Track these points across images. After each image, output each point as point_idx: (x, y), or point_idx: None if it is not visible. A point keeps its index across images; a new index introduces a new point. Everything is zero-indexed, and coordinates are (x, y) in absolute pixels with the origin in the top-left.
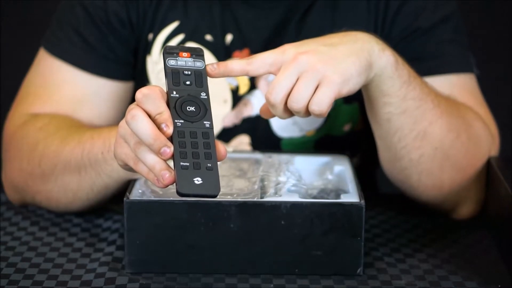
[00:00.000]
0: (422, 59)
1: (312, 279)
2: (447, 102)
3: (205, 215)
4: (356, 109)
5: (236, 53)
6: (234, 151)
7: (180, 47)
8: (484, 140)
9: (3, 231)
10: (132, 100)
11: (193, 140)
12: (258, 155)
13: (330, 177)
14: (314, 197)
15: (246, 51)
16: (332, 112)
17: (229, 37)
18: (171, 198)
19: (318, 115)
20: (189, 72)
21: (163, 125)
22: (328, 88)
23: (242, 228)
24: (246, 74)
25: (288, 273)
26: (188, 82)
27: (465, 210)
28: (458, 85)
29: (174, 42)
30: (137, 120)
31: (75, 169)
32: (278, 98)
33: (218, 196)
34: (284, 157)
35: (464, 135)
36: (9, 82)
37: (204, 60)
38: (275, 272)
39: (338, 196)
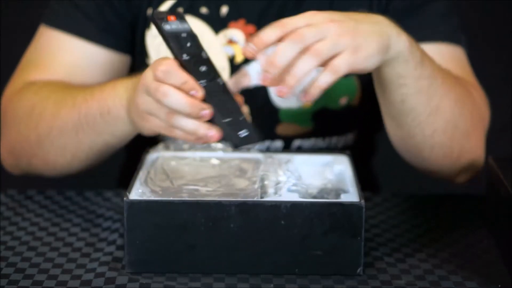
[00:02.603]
0: (414, 27)
1: (312, 279)
2: (449, 74)
3: (205, 215)
4: (353, 83)
5: (232, 23)
6: (234, 151)
7: (165, 12)
8: (483, 104)
9: (3, 230)
10: (129, 74)
11: (220, 97)
12: (258, 155)
13: (330, 177)
14: (314, 197)
15: (241, 21)
16: None
17: (224, 9)
18: (171, 198)
19: (320, 84)
20: (185, 35)
21: (192, 92)
22: (346, 57)
23: (242, 228)
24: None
25: (288, 273)
26: (188, 44)
27: (468, 175)
28: (448, 55)
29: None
30: (170, 95)
31: (72, 131)
32: (295, 48)
33: (218, 196)
34: (284, 157)
35: (468, 103)
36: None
37: (186, 20)
38: (275, 272)
39: (338, 196)
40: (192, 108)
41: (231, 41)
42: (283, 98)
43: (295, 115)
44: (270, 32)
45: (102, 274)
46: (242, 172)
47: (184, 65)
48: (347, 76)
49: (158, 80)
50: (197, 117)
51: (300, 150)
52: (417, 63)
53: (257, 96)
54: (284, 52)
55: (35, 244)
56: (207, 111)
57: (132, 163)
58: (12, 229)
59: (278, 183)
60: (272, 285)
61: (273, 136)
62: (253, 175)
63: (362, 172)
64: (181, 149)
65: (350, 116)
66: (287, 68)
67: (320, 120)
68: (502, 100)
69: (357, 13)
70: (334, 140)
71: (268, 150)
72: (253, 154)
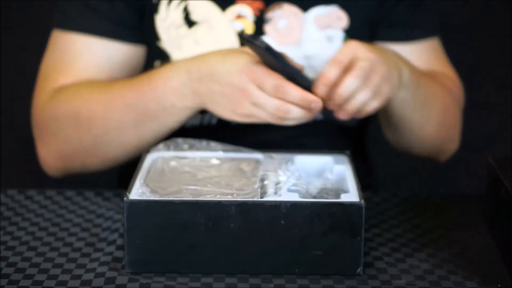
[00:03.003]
0: (401, 25)
1: (312, 279)
2: (433, 79)
3: (205, 214)
4: None
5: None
6: (234, 151)
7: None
8: (458, 92)
9: (3, 230)
10: (146, 65)
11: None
12: (258, 155)
13: (330, 176)
14: (314, 197)
15: None
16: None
17: None
18: (171, 198)
19: (370, 110)
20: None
21: (314, 105)
22: (386, 88)
23: (242, 228)
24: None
25: (288, 273)
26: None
27: (451, 151)
28: (436, 47)
29: None
30: (293, 112)
31: (132, 127)
32: (357, 81)
33: (218, 196)
34: (284, 157)
35: (451, 101)
36: (9, 81)
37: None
38: (275, 272)
39: (338, 196)
40: (310, 115)
41: (239, 16)
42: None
43: None
44: (333, 70)
45: (102, 274)
46: (242, 172)
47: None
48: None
49: (272, 95)
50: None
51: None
52: (415, 87)
53: None
54: (349, 86)
55: (35, 244)
56: (316, 104)
57: (131, 163)
58: (12, 229)
59: (278, 183)
60: (272, 285)
61: None
62: (253, 175)
63: (358, 147)
64: (181, 149)
65: None
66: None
67: None
68: (502, 100)
69: (371, 45)
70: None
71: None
72: (253, 154)
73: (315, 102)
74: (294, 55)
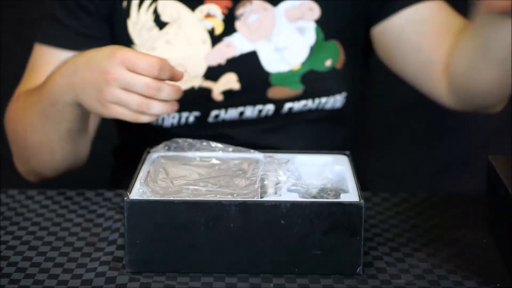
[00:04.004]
0: None
1: (312, 278)
2: None
3: (205, 214)
4: (334, 46)
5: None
6: (234, 151)
7: None
8: None
9: (4, 230)
10: None
11: None
12: (258, 155)
13: (330, 176)
14: (314, 197)
15: None
16: (314, 46)
17: None
18: (171, 198)
19: None
20: None
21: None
22: None
23: (242, 227)
24: None
25: (288, 273)
26: None
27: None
28: (445, 4)
29: (147, 1)
30: (164, 90)
31: (39, 126)
32: None
33: (218, 196)
34: (284, 156)
35: None
36: (10, 82)
37: None
38: (275, 272)
39: (338, 196)
40: (177, 94)
41: (208, 15)
42: (272, 63)
43: (285, 78)
44: None
45: (102, 274)
46: (242, 172)
47: None
48: (328, 39)
49: (146, 73)
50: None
51: (291, 112)
52: None
53: (247, 62)
54: None
55: (36, 243)
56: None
57: (121, 166)
58: (13, 228)
59: (278, 183)
60: (272, 285)
61: (264, 101)
62: (253, 175)
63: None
64: (181, 149)
65: (336, 78)
66: None
67: (309, 82)
68: None
69: None
70: (324, 100)
71: (260, 113)
72: (253, 154)
73: (164, 62)
74: (266, 49)
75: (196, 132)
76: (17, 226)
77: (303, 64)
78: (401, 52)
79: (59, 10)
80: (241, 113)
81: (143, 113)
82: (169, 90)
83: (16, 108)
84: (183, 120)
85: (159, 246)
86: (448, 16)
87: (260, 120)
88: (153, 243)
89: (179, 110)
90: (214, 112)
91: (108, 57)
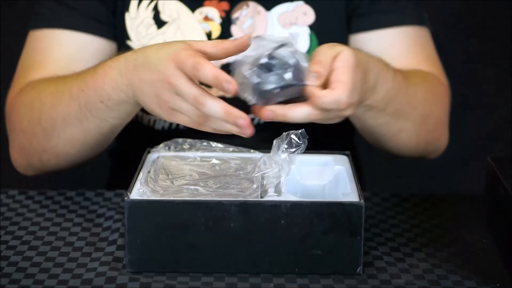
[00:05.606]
0: (382, 12)
1: (312, 278)
2: (412, 81)
3: (206, 214)
4: None
5: (207, 2)
6: (234, 151)
7: None
8: (444, 94)
9: (4, 230)
10: None
11: None
12: (258, 155)
13: (330, 177)
14: (314, 197)
15: None
16: (308, 53)
17: None
18: (171, 198)
19: None
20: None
21: (225, 85)
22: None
23: (242, 227)
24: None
25: (288, 272)
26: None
27: (439, 149)
28: (415, 38)
29: None
30: (208, 104)
31: (76, 120)
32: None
33: (218, 196)
34: (284, 156)
35: (432, 101)
36: (9, 82)
37: None
38: (275, 272)
39: (338, 196)
40: (228, 117)
41: (207, 18)
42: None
43: None
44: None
45: (102, 274)
46: (242, 172)
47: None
48: (310, 50)
49: (191, 74)
50: (234, 125)
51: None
52: (385, 103)
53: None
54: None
55: (36, 243)
56: (242, 121)
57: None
58: (13, 228)
59: (278, 183)
60: (272, 285)
61: None
62: (253, 175)
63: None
64: (181, 149)
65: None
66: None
67: None
68: (502, 100)
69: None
70: None
71: (253, 120)
72: (253, 154)
73: (227, 81)
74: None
75: (190, 137)
76: (17, 226)
77: None
78: None
79: None
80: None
81: (201, 124)
82: (214, 107)
83: (32, 97)
84: (174, 124)
85: (159, 246)
86: (403, 53)
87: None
88: (153, 243)
89: None
90: (220, 145)
91: (165, 59)
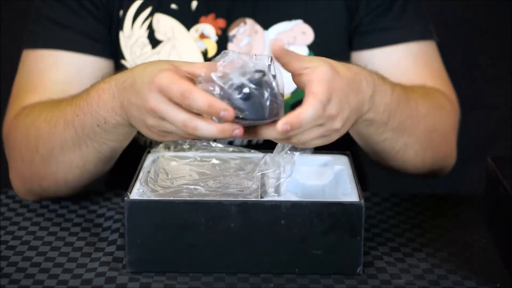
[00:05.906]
0: (386, 29)
1: (312, 278)
2: (416, 96)
3: (206, 214)
4: None
5: (202, 18)
6: (234, 151)
7: None
8: (451, 110)
9: (4, 230)
10: None
11: None
12: (258, 155)
13: (330, 177)
14: (314, 197)
15: (211, 15)
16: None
17: (194, 4)
18: (171, 198)
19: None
20: None
21: (223, 113)
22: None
23: (242, 227)
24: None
25: (288, 273)
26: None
27: (446, 168)
28: (420, 53)
29: (143, 15)
30: (201, 129)
31: (74, 146)
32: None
33: (218, 196)
34: (284, 156)
35: (438, 117)
36: (10, 82)
37: None
38: (275, 272)
39: (338, 196)
40: (223, 134)
41: (203, 35)
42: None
43: None
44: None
45: (102, 274)
46: (242, 172)
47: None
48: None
49: (179, 101)
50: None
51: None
52: (387, 118)
53: None
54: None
55: (36, 243)
56: (237, 131)
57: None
58: (13, 228)
59: (278, 183)
60: (272, 285)
61: None
62: (253, 175)
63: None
64: (181, 149)
65: None
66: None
67: None
68: (502, 100)
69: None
70: None
71: (250, 144)
72: (253, 154)
73: (224, 110)
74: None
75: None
76: (17, 226)
77: (294, 94)
78: None
79: (60, 14)
80: (231, 141)
81: (191, 135)
82: (207, 129)
83: (27, 124)
84: None
85: (159, 246)
86: (408, 70)
87: (250, 146)
88: (153, 243)
89: None
90: (220, 145)
91: (148, 82)
